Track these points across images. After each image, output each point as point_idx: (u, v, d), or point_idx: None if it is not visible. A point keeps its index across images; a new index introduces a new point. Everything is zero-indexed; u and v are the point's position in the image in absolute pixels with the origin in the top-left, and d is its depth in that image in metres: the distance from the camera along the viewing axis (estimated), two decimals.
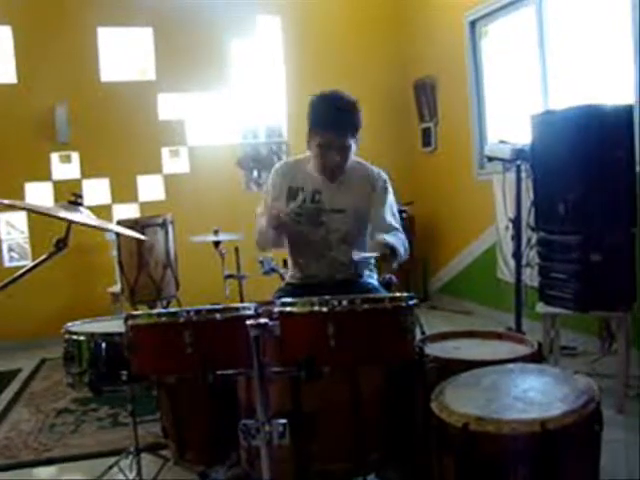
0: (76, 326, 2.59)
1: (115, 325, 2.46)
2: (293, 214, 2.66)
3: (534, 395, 1.75)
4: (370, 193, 2.69)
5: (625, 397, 3.12)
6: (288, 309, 1.90)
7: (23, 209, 4.90)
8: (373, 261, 2.81)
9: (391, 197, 2.76)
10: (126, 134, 5.65)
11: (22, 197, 5.47)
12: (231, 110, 6.03)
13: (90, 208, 2.29)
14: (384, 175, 2.75)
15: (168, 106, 5.87)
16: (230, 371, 1.91)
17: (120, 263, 4.45)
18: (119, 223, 4.17)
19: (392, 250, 2.43)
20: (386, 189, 2.73)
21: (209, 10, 5.81)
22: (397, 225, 2.70)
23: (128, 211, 5.69)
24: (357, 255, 2.46)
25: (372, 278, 2.87)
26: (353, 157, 2.69)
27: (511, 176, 3.77)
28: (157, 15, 5.73)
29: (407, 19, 6.36)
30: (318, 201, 2.67)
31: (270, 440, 1.62)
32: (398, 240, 2.55)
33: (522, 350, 2.25)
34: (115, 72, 5.75)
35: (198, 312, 1.93)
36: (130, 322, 2.04)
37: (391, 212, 2.72)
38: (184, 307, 2.14)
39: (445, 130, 5.98)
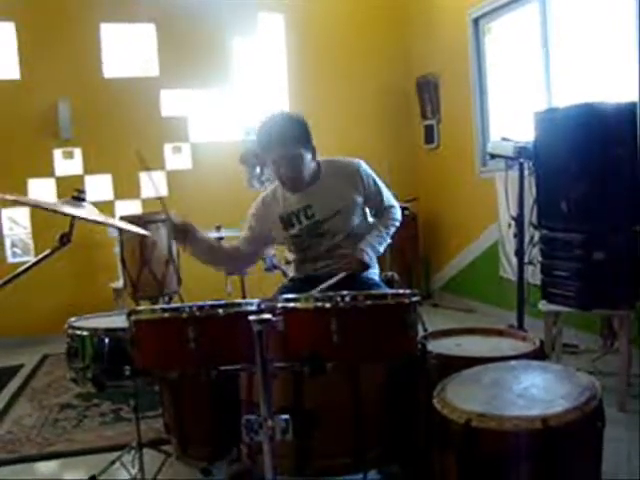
0: (79, 321, 2.59)
1: (118, 320, 2.46)
2: (293, 237, 2.77)
3: (536, 392, 1.75)
4: (355, 184, 2.78)
5: (627, 395, 3.12)
6: (291, 305, 1.90)
7: (26, 205, 4.91)
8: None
9: (374, 176, 2.86)
10: (129, 130, 5.64)
11: (25, 193, 5.48)
12: (234, 107, 6.03)
13: (92, 204, 2.30)
14: (358, 161, 2.84)
15: (171, 102, 5.87)
16: (233, 367, 1.91)
17: (122, 259, 4.45)
18: (122, 219, 4.18)
19: (363, 265, 2.66)
20: (368, 174, 2.83)
21: (212, 7, 5.81)
22: (392, 201, 2.92)
23: (130, 207, 5.70)
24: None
25: (374, 274, 2.88)
26: (322, 158, 2.80)
27: (514, 174, 3.76)
28: (160, 11, 5.73)
29: (410, 16, 6.35)
30: (312, 215, 2.74)
31: (273, 436, 1.62)
32: (379, 236, 2.78)
33: (524, 347, 2.26)
34: (118, 68, 5.76)
35: (201, 308, 1.93)
36: (133, 317, 2.04)
37: (382, 191, 2.87)
38: (186, 303, 2.14)
39: (448, 127, 5.98)
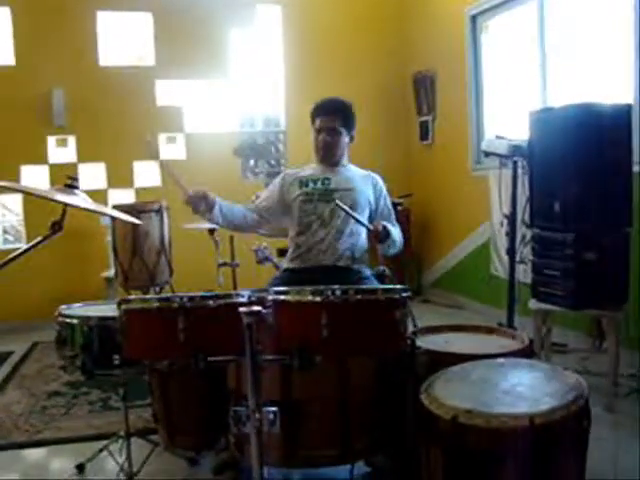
0: (69, 310, 2.59)
1: (108, 309, 2.46)
2: (305, 195, 2.96)
3: (523, 390, 1.76)
4: (372, 188, 3.04)
5: (614, 395, 3.13)
6: (282, 298, 1.90)
7: (19, 191, 4.89)
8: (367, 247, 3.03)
9: (387, 194, 3.13)
10: (123, 119, 5.62)
11: (18, 180, 5.45)
12: (229, 98, 6.02)
13: (85, 192, 2.29)
14: (379, 177, 3.13)
15: (166, 92, 5.85)
16: (222, 358, 1.92)
17: (114, 248, 4.44)
18: (114, 208, 4.17)
19: (385, 230, 2.81)
20: (383, 188, 3.10)
21: None
22: (395, 222, 3.11)
23: (123, 196, 5.69)
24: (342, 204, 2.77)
25: (365, 268, 2.94)
26: (353, 166, 3.10)
27: (507, 172, 3.78)
28: (157, 1, 5.70)
29: (408, 12, 6.35)
30: (328, 184, 2.98)
31: (260, 428, 1.62)
32: (396, 230, 2.96)
33: (513, 345, 2.27)
34: (114, 57, 5.74)
35: (191, 298, 1.93)
36: (123, 307, 2.04)
37: (390, 210, 3.12)
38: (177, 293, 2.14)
39: (443, 124, 5.98)
